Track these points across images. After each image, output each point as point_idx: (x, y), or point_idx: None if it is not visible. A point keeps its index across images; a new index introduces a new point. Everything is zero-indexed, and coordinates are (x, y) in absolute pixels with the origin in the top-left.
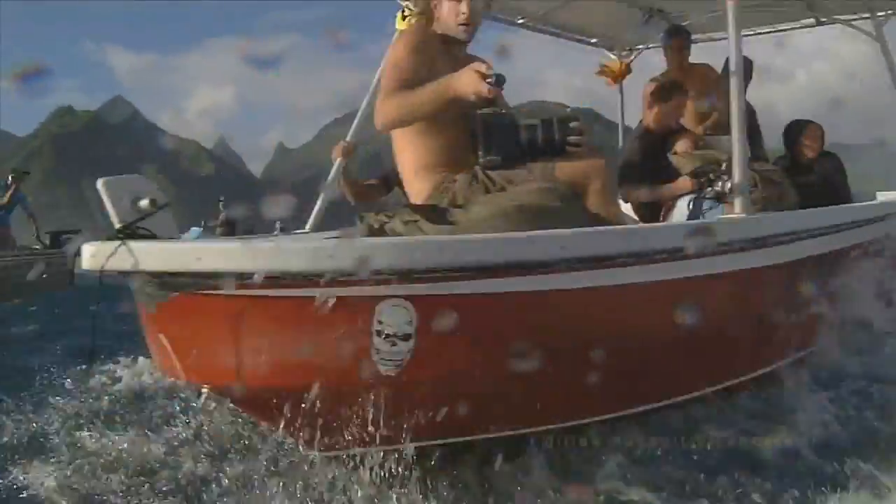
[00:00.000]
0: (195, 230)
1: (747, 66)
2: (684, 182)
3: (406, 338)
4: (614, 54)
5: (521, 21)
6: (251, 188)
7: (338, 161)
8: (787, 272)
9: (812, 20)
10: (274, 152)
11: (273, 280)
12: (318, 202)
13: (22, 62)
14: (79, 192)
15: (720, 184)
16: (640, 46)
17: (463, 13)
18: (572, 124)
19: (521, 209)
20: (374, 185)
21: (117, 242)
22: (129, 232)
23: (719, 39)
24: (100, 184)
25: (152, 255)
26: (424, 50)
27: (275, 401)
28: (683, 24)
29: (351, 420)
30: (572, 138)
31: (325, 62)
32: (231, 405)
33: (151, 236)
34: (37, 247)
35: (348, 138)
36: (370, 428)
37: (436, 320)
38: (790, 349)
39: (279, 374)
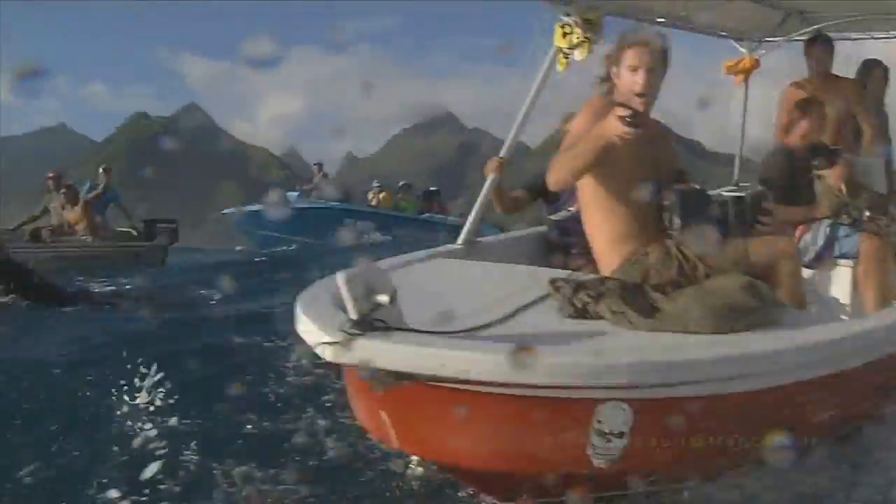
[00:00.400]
0: (292, 194)
1: (885, 73)
2: (824, 210)
3: (620, 435)
4: (743, 47)
5: (660, 21)
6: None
7: (491, 176)
8: None
9: None
10: (342, 161)
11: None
12: (472, 214)
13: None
14: (152, 195)
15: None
16: (769, 39)
17: (638, 83)
18: (763, 203)
19: (729, 308)
20: (521, 196)
21: (357, 336)
22: (367, 324)
23: (856, 39)
24: (340, 278)
25: (395, 354)
26: (594, 118)
27: (489, 479)
28: (820, 24)
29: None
30: (763, 218)
31: (394, 72)
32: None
33: (385, 327)
34: (134, 233)
35: (501, 155)
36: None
37: (650, 421)
38: None
39: (498, 459)
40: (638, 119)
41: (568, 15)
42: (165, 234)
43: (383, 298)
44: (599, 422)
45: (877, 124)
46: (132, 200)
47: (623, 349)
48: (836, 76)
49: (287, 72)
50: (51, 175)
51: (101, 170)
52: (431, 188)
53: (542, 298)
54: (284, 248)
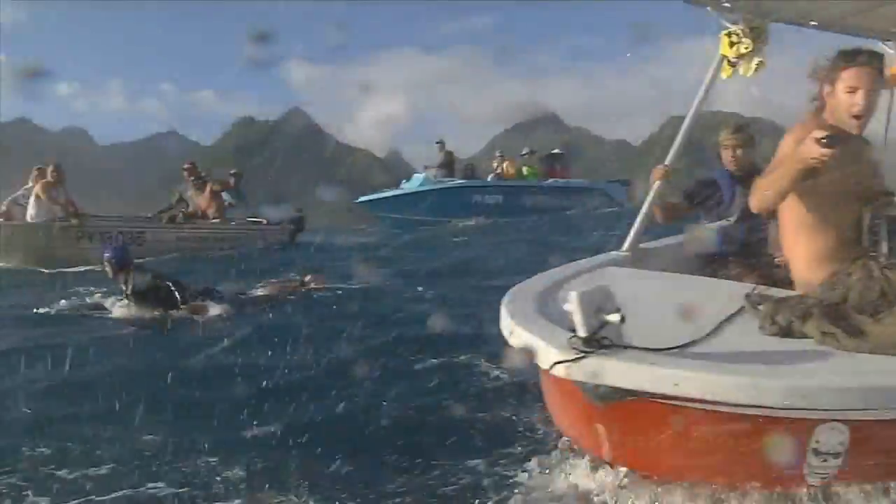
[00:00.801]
0: (418, 176)
1: None
2: None
3: (836, 456)
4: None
5: (813, 24)
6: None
7: (657, 184)
8: None
9: None
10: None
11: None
12: (638, 221)
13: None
14: (258, 198)
15: None
16: None
17: (857, 105)
18: None
19: None
20: (680, 205)
21: (587, 354)
22: (595, 343)
23: None
24: (573, 297)
25: (624, 372)
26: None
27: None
28: None
29: None
30: None
31: (494, 72)
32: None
33: (611, 345)
34: (263, 221)
35: (667, 162)
36: None
37: (865, 442)
38: None
39: (716, 475)
40: (836, 140)
41: (735, 23)
42: (292, 222)
43: (614, 318)
44: (817, 442)
45: None
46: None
47: (840, 372)
48: None
49: (387, 74)
50: (186, 166)
51: (230, 173)
52: (554, 150)
53: (738, 313)
54: (422, 228)
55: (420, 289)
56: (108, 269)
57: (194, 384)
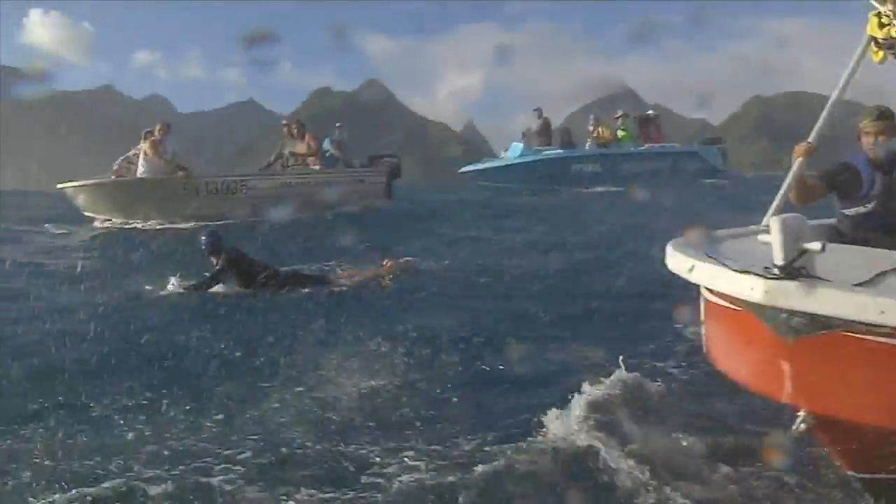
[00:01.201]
0: (517, 145)
1: None
2: None
3: None
4: None
5: None
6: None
7: (799, 160)
8: None
9: None
10: (521, 139)
11: None
12: (778, 198)
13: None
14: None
15: None
16: None
17: None
18: None
19: None
20: (817, 186)
21: (790, 281)
22: (793, 271)
23: None
24: (775, 220)
25: (831, 300)
26: None
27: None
28: None
29: None
30: None
31: (572, 48)
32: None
33: (809, 275)
34: (359, 166)
35: (810, 139)
36: None
37: None
38: None
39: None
40: None
41: (884, 3)
42: (388, 167)
43: (815, 246)
44: None
45: None
46: None
47: None
48: None
49: (465, 47)
50: (285, 123)
51: (336, 125)
52: (648, 112)
53: None
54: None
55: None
56: (204, 250)
57: None
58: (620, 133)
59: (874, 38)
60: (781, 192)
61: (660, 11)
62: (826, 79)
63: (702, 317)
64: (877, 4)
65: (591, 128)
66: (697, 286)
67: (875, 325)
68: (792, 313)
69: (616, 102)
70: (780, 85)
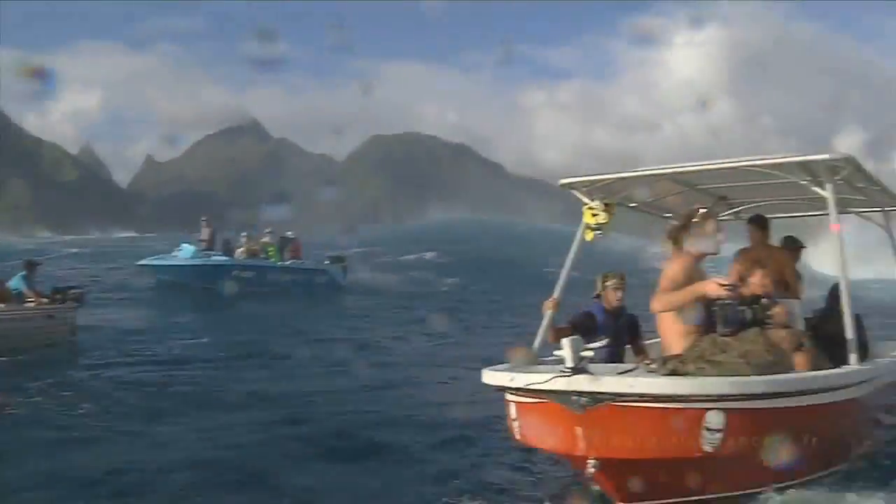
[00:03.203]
0: (188, 247)
1: (798, 245)
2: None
3: (719, 430)
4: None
5: (632, 206)
6: (116, 199)
7: (548, 313)
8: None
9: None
10: (142, 164)
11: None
12: (538, 338)
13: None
14: None
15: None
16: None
17: (715, 248)
18: (771, 310)
19: (767, 362)
20: (564, 329)
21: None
22: (579, 370)
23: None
24: (565, 342)
25: (604, 382)
26: (688, 267)
27: (635, 471)
28: (740, 207)
29: (674, 479)
30: (768, 318)
31: (198, 75)
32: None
33: (586, 371)
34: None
35: (555, 296)
36: (681, 486)
37: (737, 423)
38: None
39: (656, 446)
40: (733, 287)
41: (594, 201)
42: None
43: (589, 353)
44: (708, 421)
45: (796, 284)
46: None
47: (715, 381)
48: (774, 247)
49: (84, 67)
50: None
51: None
52: (287, 234)
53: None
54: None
55: None
56: None
57: None
58: (269, 249)
59: (588, 224)
60: (540, 334)
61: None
62: (438, 123)
63: (512, 416)
64: (588, 202)
65: (243, 240)
66: (504, 400)
67: (628, 395)
68: (580, 394)
69: (243, 133)
70: (398, 126)
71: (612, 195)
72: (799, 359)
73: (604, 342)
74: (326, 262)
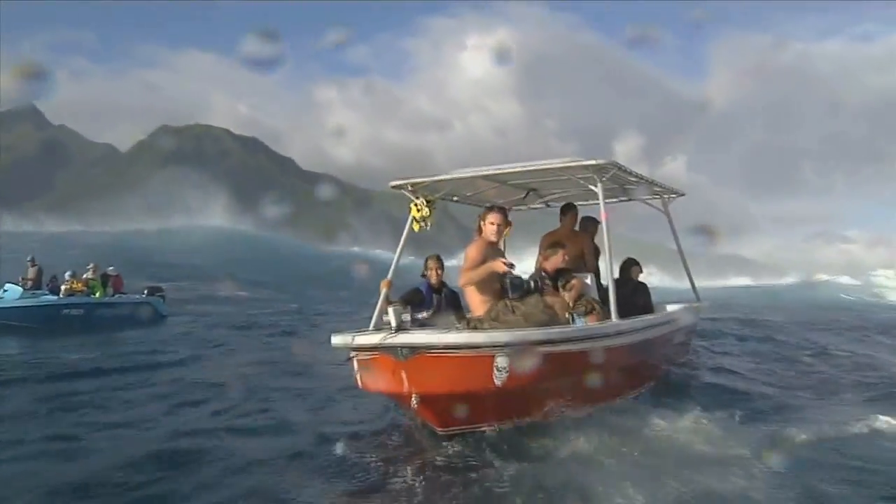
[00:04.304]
0: (16, 288)
1: (595, 224)
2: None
3: (505, 370)
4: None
5: (455, 199)
6: None
7: (384, 291)
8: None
9: (625, 198)
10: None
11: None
12: (376, 313)
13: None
14: None
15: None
16: (517, 208)
17: (494, 234)
18: (547, 281)
19: (542, 319)
20: (397, 304)
21: (396, 334)
22: (401, 329)
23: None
24: (391, 310)
25: (414, 339)
26: (483, 250)
27: (451, 400)
28: (547, 197)
29: (478, 407)
30: (545, 287)
31: None
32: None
33: (406, 330)
34: None
35: (388, 277)
36: (483, 413)
37: (517, 363)
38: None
39: (458, 385)
40: (512, 265)
41: (418, 198)
42: None
43: (406, 317)
44: (497, 361)
45: (592, 259)
46: None
47: (500, 334)
48: (576, 231)
49: None
50: None
51: None
52: (109, 270)
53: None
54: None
55: None
56: None
57: None
58: (92, 284)
59: (414, 217)
60: (377, 309)
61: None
62: (232, 115)
63: (355, 370)
64: (413, 198)
65: (67, 278)
66: (350, 359)
67: (438, 345)
68: (403, 347)
69: (19, 118)
70: (189, 117)
71: (435, 193)
72: (590, 319)
73: (429, 312)
74: (145, 292)
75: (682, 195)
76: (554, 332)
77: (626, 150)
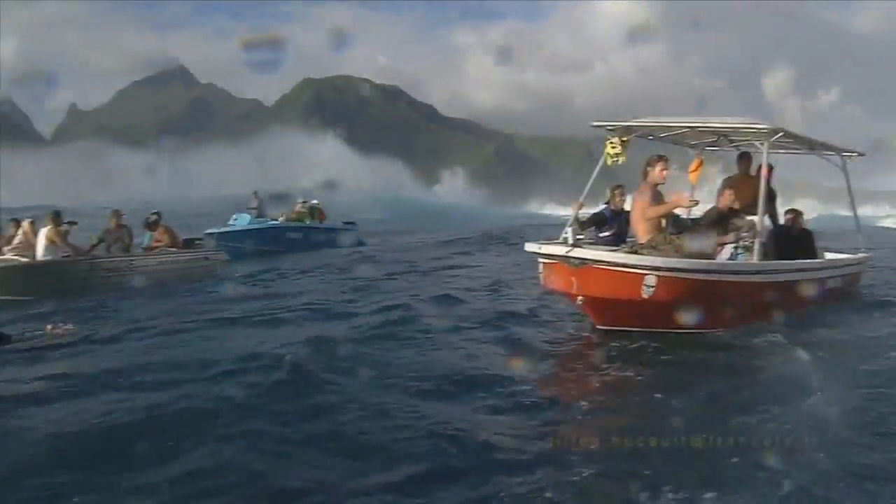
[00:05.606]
0: (244, 216)
1: (770, 169)
2: (732, 238)
3: (653, 286)
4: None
5: (650, 139)
6: (40, 150)
7: (574, 210)
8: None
9: (805, 151)
10: (66, 114)
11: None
12: (570, 230)
13: None
14: None
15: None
16: (709, 149)
17: (662, 176)
18: (736, 222)
19: (686, 252)
20: (585, 223)
21: (572, 249)
22: (576, 245)
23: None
24: (568, 230)
25: (588, 253)
26: (654, 194)
27: (612, 305)
28: (736, 143)
29: (628, 313)
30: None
31: (123, 20)
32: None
33: (580, 246)
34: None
35: (580, 200)
36: (632, 318)
37: (664, 282)
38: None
39: (617, 291)
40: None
41: (614, 137)
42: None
43: (580, 236)
44: (646, 280)
45: (766, 201)
46: None
47: (651, 258)
48: (750, 176)
49: None
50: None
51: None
52: (313, 202)
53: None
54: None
55: None
56: None
57: None
58: (302, 214)
59: (608, 153)
60: (570, 227)
61: None
62: (371, 65)
63: (540, 270)
64: (610, 138)
65: (297, 206)
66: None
67: (601, 261)
68: (575, 258)
69: (169, 79)
70: (329, 69)
71: (630, 133)
72: (747, 256)
73: (611, 231)
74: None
75: (862, 155)
76: (693, 263)
77: (775, 85)
